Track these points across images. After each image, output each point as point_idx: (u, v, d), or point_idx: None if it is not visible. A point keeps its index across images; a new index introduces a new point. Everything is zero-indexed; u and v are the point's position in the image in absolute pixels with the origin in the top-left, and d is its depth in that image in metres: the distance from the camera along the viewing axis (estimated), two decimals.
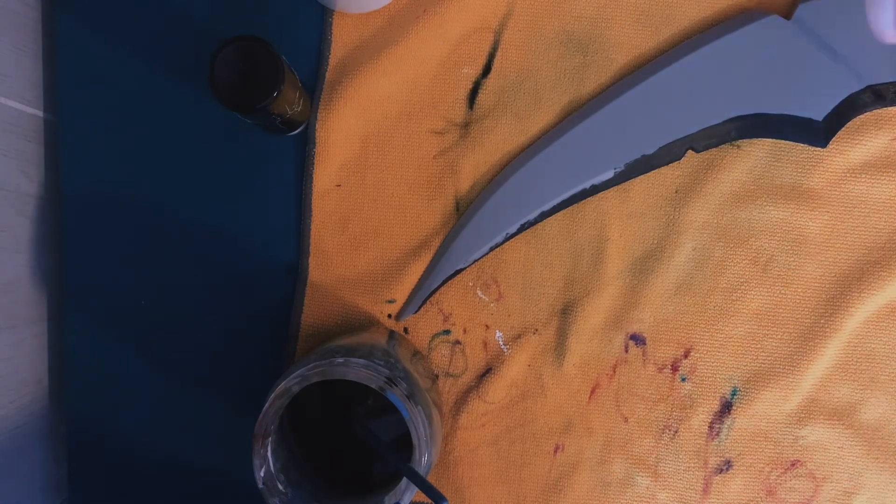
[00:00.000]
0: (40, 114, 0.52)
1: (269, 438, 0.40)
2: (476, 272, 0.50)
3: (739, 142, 0.48)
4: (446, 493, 0.50)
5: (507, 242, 0.49)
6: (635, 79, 0.48)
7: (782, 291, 0.49)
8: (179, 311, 0.52)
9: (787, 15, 0.46)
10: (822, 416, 0.49)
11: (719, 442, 0.50)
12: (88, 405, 0.52)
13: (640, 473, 0.50)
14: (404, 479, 0.39)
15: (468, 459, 0.51)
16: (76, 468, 0.53)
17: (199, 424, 0.52)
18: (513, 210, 0.49)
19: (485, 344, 0.51)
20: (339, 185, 0.50)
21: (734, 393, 0.50)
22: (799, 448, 0.50)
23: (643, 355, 0.50)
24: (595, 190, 0.48)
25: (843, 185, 0.48)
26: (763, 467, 0.50)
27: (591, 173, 0.48)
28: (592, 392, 0.50)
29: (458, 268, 0.49)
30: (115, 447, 0.53)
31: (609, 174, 0.48)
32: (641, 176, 0.48)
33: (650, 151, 0.48)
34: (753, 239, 0.49)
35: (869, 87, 0.46)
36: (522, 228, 0.49)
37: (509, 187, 0.48)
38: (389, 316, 0.51)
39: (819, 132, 0.47)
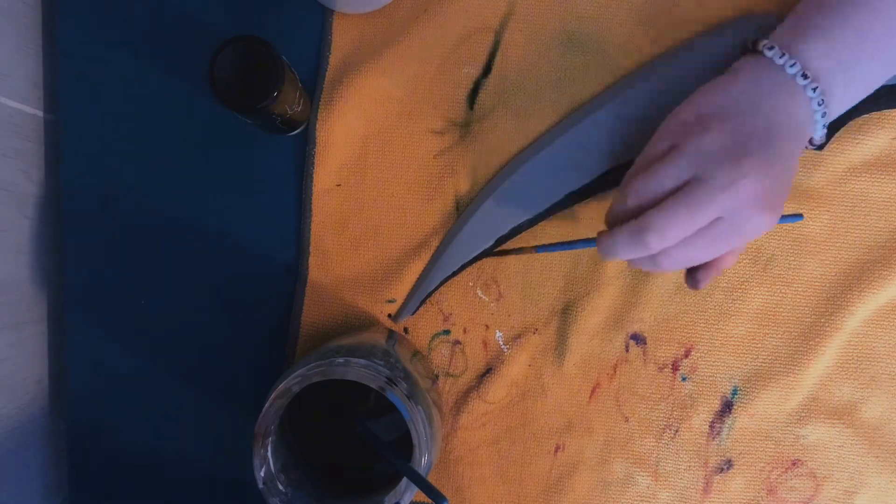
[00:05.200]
0: (40, 114, 0.52)
1: (269, 438, 0.40)
2: (476, 272, 0.50)
3: None
4: (446, 493, 0.50)
5: (508, 242, 0.49)
6: (635, 79, 0.48)
7: (783, 291, 0.49)
8: (179, 311, 0.52)
9: (784, 17, 0.46)
10: (822, 416, 0.49)
11: (720, 441, 0.50)
12: (88, 405, 0.52)
13: (641, 473, 0.50)
14: (404, 479, 0.39)
15: (468, 459, 0.51)
16: (76, 468, 0.53)
17: (199, 424, 0.52)
18: (513, 210, 0.49)
19: (485, 344, 0.51)
20: (339, 185, 0.50)
21: (735, 392, 0.50)
22: (800, 447, 0.49)
23: (644, 355, 0.50)
24: (595, 191, 0.48)
25: (843, 185, 0.48)
26: (764, 466, 0.50)
27: (592, 173, 0.48)
28: (593, 392, 0.50)
29: (454, 270, 0.49)
30: (115, 447, 0.53)
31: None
32: None
33: None
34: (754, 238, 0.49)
35: None
36: (515, 232, 0.49)
37: (509, 187, 0.48)
38: (389, 316, 0.51)
39: None
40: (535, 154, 0.48)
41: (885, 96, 0.46)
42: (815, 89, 0.38)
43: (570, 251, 0.49)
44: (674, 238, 0.37)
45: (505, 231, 0.49)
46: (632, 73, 0.49)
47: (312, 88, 0.50)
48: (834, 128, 0.47)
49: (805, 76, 0.38)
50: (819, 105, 0.38)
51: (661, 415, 0.50)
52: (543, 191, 0.48)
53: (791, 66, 0.38)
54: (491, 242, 0.49)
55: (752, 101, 0.38)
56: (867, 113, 0.47)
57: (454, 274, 0.49)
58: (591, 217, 0.49)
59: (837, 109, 0.40)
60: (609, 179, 0.48)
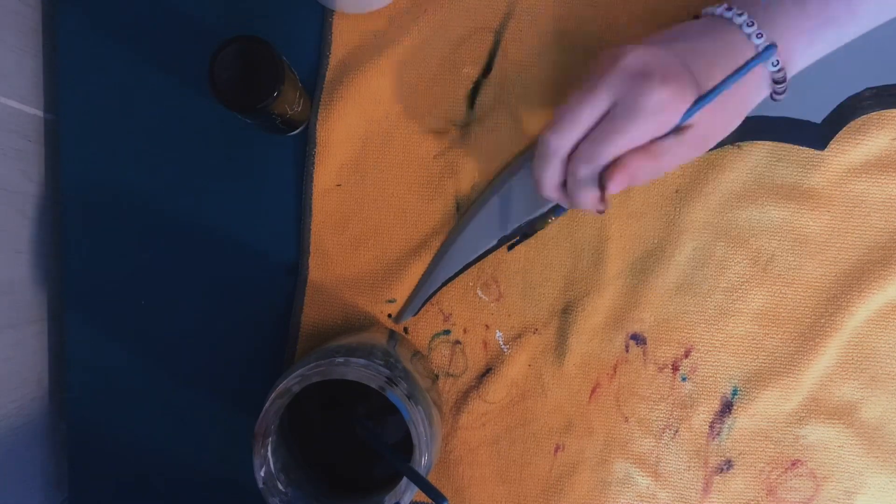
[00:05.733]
0: (40, 114, 0.52)
1: (269, 438, 0.40)
2: (476, 272, 0.50)
3: (740, 141, 0.48)
4: (446, 493, 0.50)
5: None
6: None
7: (783, 291, 0.49)
8: (179, 311, 0.52)
9: None
10: (822, 416, 0.49)
11: (720, 441, 0.50)
12: (88, 405, 0.52)
13: (641, 473, 0.50)
14: (404, 479, 0.39)
15: (468, 459, 0.51)
16: (76, 468, 0.53)
17: (200, 424, 0.52)
18: (515, 210, 0.48)
19: (485, 344, 0.51)
20: (340, 185, 0.50)
21: (735, 392, 0.50)
22: (800, 447, 0.49)
23: (644, 355, 0.50)
24: None
25: (843, 185, 0.48)
26: (764, 467, 0.50)
27: None
28: (593, 392, 0.50)
29: (457, 271, 0.49)
30: (115, 447, 0.53)
31: None
32: None
33: None
34: (754, 239, 0.49)
35: (868, 90, 0.46)
36: (516, 233, 0.49)
37: (511, 188, 0.48)
38: (389, 316, 0.51)
39: (818, 135, 0.47)
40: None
41: (885, 96, 0.46)
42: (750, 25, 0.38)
43: (572, 250, 0.49)
44: (570, 127, 0.37)
45: (507, 231, 0.49)
46: None
47: (312, 88, 0.50)
48: (834, 127, 0.47)
49: (751, 24, 0.38)
50: (759, 37, 0.38)
51: (661, 415, 0.50)
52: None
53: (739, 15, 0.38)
54: (493, 243, 0.49)
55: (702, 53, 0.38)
56: (867, 113, 0.47)
57: (457, 274, 0.50)
58: (593, 217, 0.49)
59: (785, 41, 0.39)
60: None
